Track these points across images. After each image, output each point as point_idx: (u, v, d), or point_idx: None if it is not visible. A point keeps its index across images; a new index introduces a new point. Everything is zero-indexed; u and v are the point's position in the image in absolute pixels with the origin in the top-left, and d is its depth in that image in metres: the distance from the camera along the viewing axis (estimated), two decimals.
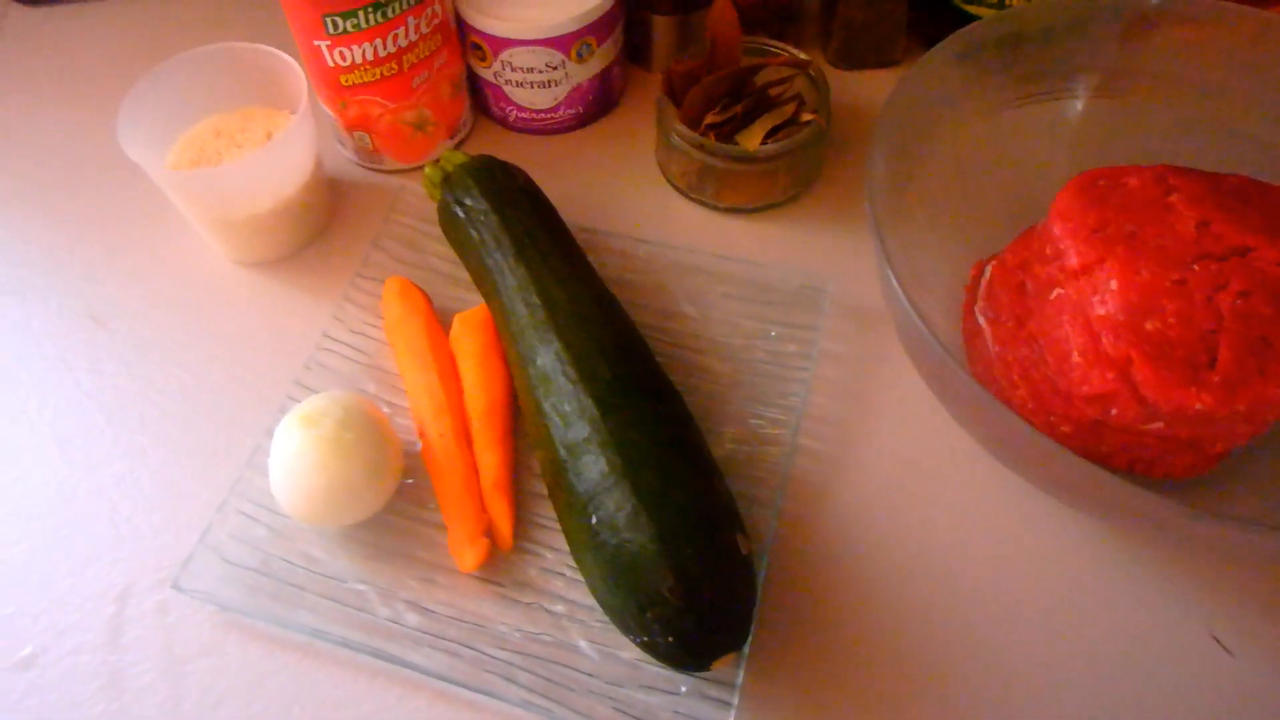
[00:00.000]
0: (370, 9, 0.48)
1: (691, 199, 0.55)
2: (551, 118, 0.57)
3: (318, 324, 0.50)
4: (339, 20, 0.48)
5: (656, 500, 0.36)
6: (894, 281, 0.41)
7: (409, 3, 0.49)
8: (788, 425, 0.46)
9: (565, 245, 0.47)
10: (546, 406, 0.40)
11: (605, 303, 0.44)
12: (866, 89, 0.59)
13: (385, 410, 0.46)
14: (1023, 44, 0.48)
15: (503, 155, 0.57)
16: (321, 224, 0.54)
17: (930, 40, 0.59)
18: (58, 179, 0.57)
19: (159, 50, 0.62)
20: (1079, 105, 0.49)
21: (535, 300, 0.43)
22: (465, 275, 0.50)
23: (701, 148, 0.51)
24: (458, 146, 0.57)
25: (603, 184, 0.56)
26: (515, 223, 0.46)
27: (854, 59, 0.60)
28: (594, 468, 0.37)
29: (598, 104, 0.58)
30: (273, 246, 0.52)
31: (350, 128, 0.54)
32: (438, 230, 0.51)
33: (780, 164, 0.51)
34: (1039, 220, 0.48)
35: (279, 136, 0.48)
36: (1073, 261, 0.41)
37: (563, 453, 0.39)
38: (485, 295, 0.47)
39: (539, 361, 0.42)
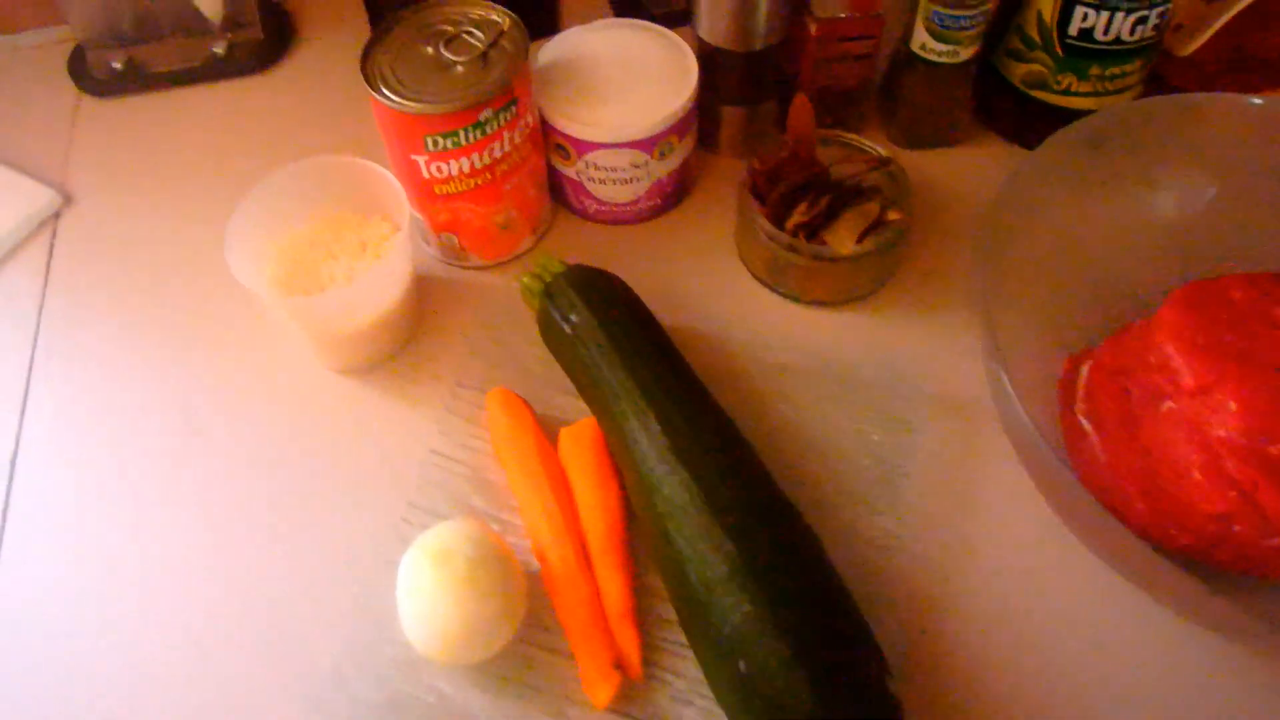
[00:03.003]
0: (471, 128, 0.46)
1: (774, 291, 0.53)
2: (631, 209, 0.55)
3: (420, 436, 0.48)
4: (440, 139, 0.46)
5: (810, 651, 0.34)
6: (1013, 397, 0.40)
7: (506, 119, 0.47)
8: (901, 535, 0.44)
9: (673, 360, 0.45)
10: (679, 541, 0.39)
11: (724, 425, 0.42)
12: (929, 167, 0.57)
13: (496, 528, 0.45)
14: (1111, 140, 0.47)
15: (581, 245, 0.55)
16: (414, 328, 0.52)
17: (991, 120, 0.58)
18: (139, 282, 0.55)
19: (233, 139, 0.61)
20: (1174, 200, 0.48)
21: (655, 425, 0.42)
22: (561, 377, 0.48)
23: (792, 249, 0.49)
24: (539, 240, 0.56)
25: (683, 273, 0.54)
26: (623, 340, 0.44)
27: (917, 139, 0.58)
28: (737, 610, 0.36)
29: (675, 194, 0.56)
30: (369, 354, 0.50)
31: (439, 230, 0.52)
32: (529, 330, 0.50)
33: (867, 261, 0.50)
34: (1128, 315, 0.47)
35: (385, 259, 0.46)
36: (1187, 381, 0.40)
37: (700, 591, 0.37)
38: (595, 411, 0.45)
39: (665, 491, 0.40)
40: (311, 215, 0.50)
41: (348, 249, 0.49)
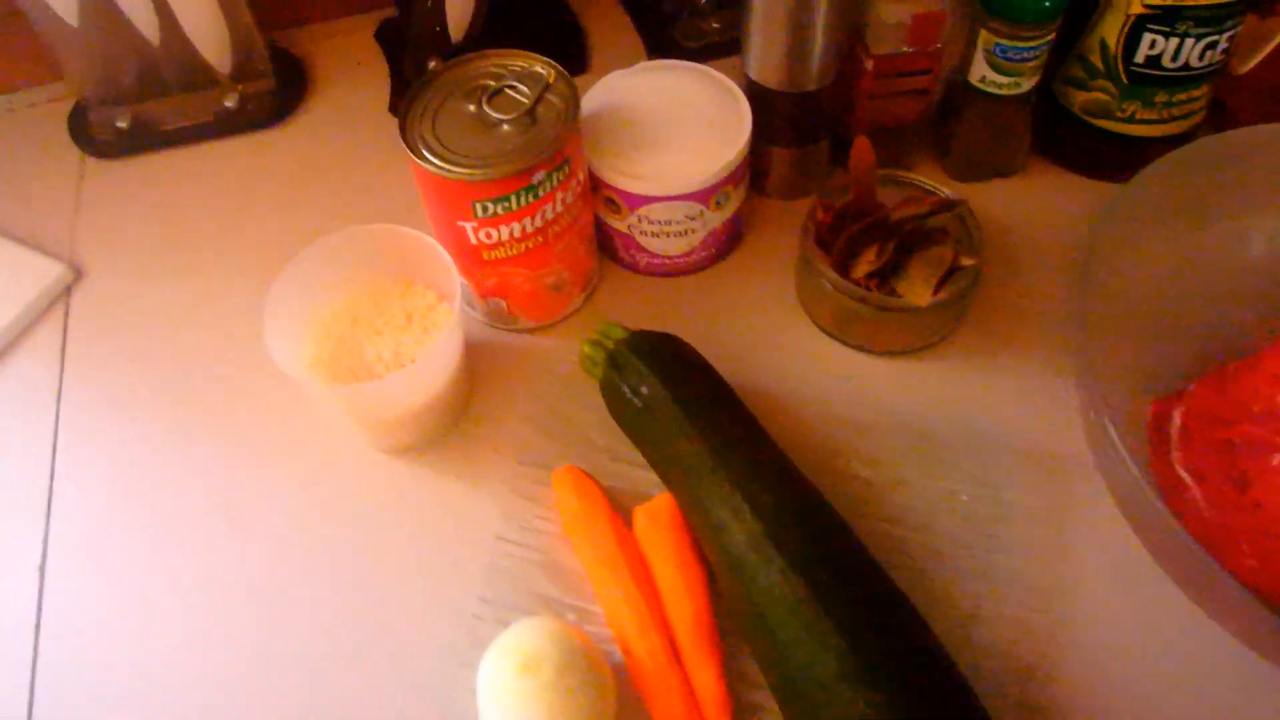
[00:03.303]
0: (523, 191, 0.43)
1: (842, 343, 0.50)
2: (684, 261, 0.52)
3: (483, 521, 0.45)
4: (490, 205, 0.43)
5: None
6: (1123, 452, 0.37)
7: (560, 179, 0.44)
8: (995, 602, 0.42)
9: (754, 433, 0.42)
10: (782, 635, 0.36)
11: (814, 502, 0.40)
12: (986, 200, 0.55)
13: (572, 618, 0.42)
14: (1200, 173, 0.44)
15: (633, 301, 0.53)
16: (465, 403, 0.49)
17: (1048, 148, 0.56)
18: (162, 360, 0.51)
19: (251, 197, 0.58)
20: (1268, 236, 0.46)
21: (744, 508, 0.39)
22: (626, 448, 0.46)
23: (864, 301, 0.47)
24: (588, 298, 0.53)
25: (743, 326, 0.51)
26: (700, 414, 0.42)
27: (973, 172, 0.56)
28: (851, 711, 0.34)
29: (729, 243, 0.53)
30: (422, 434, 0.47)
31: (486, 295, 0.49)
32: (587, 398, 0.47)
33: (941, 308, 0.47)
34: (1217, 355, 0.45)
35: (438, 336, 0.43)
36: None
37: (809, 689, 0.35)
38: (673, 488, 0.42)
39: (762, 581, 0.37)
40: (349, 288, 0.47)
41: (392, 323, 0.46)
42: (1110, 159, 0.53)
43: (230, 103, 0.60)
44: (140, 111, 0.60)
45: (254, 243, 0.56)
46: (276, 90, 0.61)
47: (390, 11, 0.64)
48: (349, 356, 0.45)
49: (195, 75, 0.59)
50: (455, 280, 0.44)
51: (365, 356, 0.45)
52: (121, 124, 0.59)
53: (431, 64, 0.59)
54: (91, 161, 0.60)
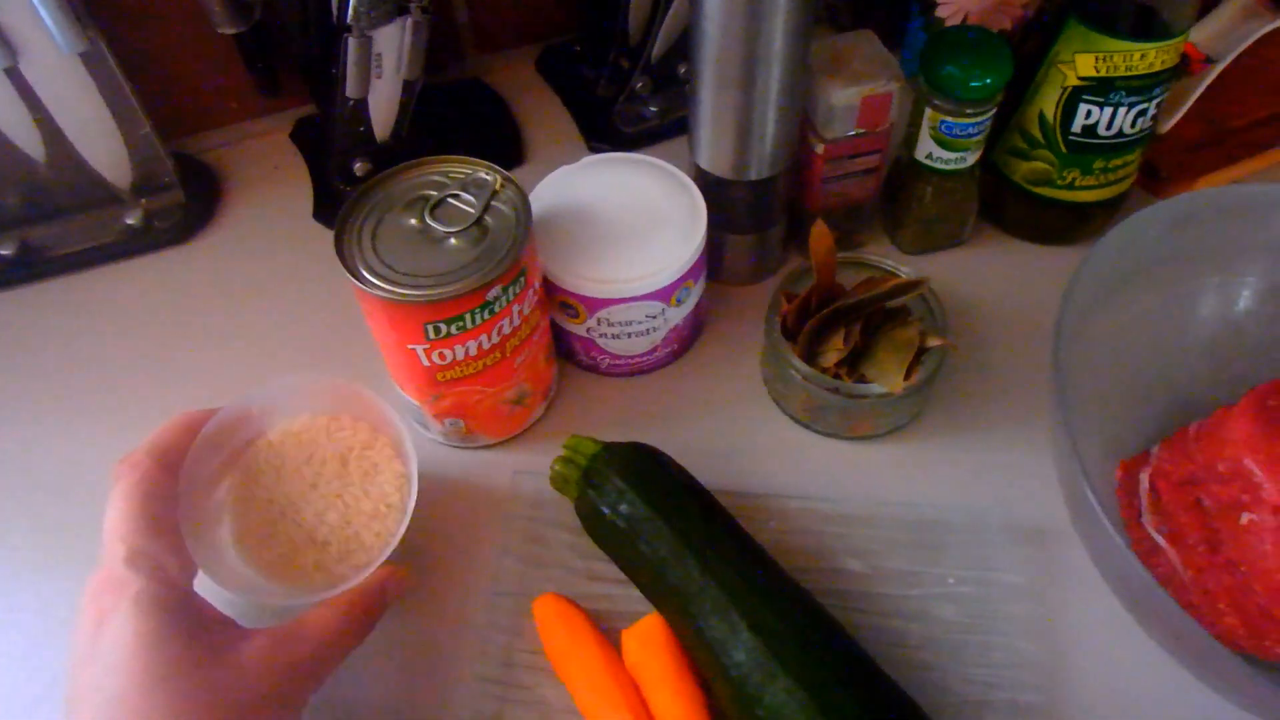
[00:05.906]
0: (478, 309, 0.42)
1: (815, 431, 0.50)
2: (647, 359, 0.52)
3: (461, 660, 0.43)
4: (443, 326, 0.42)
5: None
6: (1108, 525, 0.38)
7: (515, 292, 0.43)
8: (998, 684, 0.42)
9: (741, 542, 0.42)
10: None
11: (812, 610, 0.40)
12: (936, 271, 0.56)
13: None
14: (1154, 237, 0.47)
15: (597, 403, 0.52)
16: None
17: (993, 216, 0.58)
18: (84, 526, 0.48)
19: (161, 321, 0.55)
20: (1224, 296, 0.48)
21: (741, 624, 0.39)
22: (602, 566, 0.45)
23: (836, 391, 0.47)
24: (549, 405, 0.51)
25: (714, 423, 0.51)
26: (687, 531, 0.41)
27: (924, 245, 0.57)
28: None
29: (690, 336, 0.53)
30: None
31: (442, 416, 0.47)
32: (560, 516, 0.46)
33: (914, 392, 0.48)
34: (1180, 415, 0.47)
35: (399, 529, 0.40)
36: (1271, 494, 0.40)
37: None
38: (661, 608, 0.42)
39: (767, 700, 0.37)
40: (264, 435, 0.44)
41: (326, 472, 0.43)
42: (1054, 225, 0.56)
43: (133, 220, 0.57)
44: (29, 236, 0.56)
45: (168, 375, 0.53)
46: (185, 203, 0.58)
47: (306, 109, 0.62)
48: (285, 522, 0.42)
49: (90, 193, 0.57)
50: (408, 451, 0.42)
51: (304, 520, 0.42)
52: (6, 251, 0.55)
53: (357, 166, 0.57)
54: None
